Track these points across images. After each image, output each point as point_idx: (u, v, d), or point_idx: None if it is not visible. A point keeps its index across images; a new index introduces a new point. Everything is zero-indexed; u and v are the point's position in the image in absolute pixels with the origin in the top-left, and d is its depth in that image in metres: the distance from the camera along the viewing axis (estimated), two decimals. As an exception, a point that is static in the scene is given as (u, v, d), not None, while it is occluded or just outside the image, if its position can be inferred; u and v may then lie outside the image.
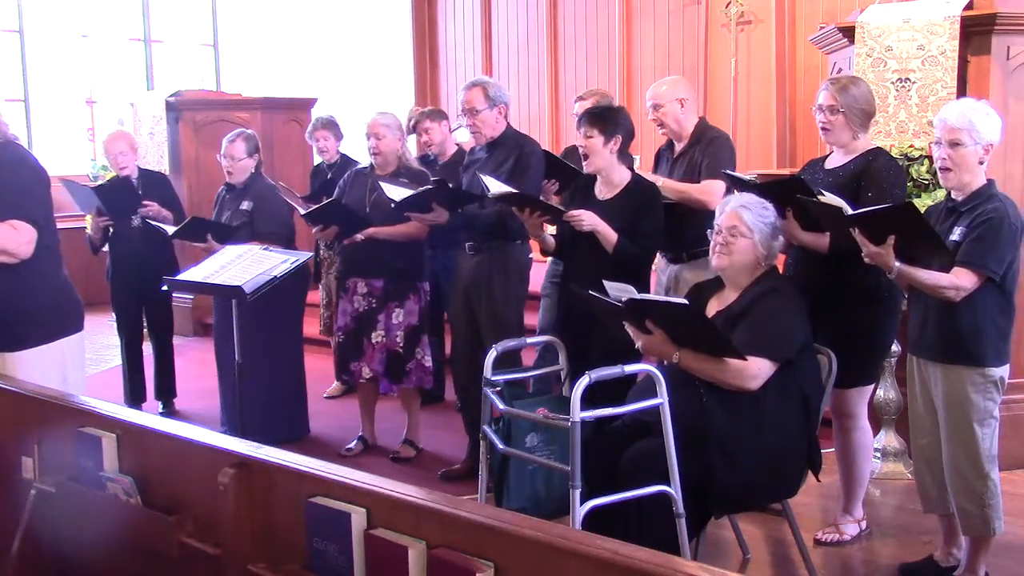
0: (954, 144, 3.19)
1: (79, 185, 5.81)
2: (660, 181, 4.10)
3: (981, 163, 3.22)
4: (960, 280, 3.16)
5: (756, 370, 3.13)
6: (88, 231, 5.94)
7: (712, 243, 3.38)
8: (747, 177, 3.89)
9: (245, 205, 5.14)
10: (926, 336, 3.34)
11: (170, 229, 5.19)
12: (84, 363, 3.63)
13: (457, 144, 5.70)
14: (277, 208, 5.14)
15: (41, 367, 3.28)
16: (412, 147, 5.50)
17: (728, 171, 3.91)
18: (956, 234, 3.23)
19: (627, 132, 3.87)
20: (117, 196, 5.60)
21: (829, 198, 3.29)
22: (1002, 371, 3.27)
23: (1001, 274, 3.18)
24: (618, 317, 3.27)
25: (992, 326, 3.23)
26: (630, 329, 3.27)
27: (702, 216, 4.01)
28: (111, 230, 5.74)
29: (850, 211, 3.20)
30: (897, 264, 3.14)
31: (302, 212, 4.90)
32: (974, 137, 3.18)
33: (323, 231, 4.76)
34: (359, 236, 4.70)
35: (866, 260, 3.21)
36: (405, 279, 4.80)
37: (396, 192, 4.37)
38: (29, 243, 3.27)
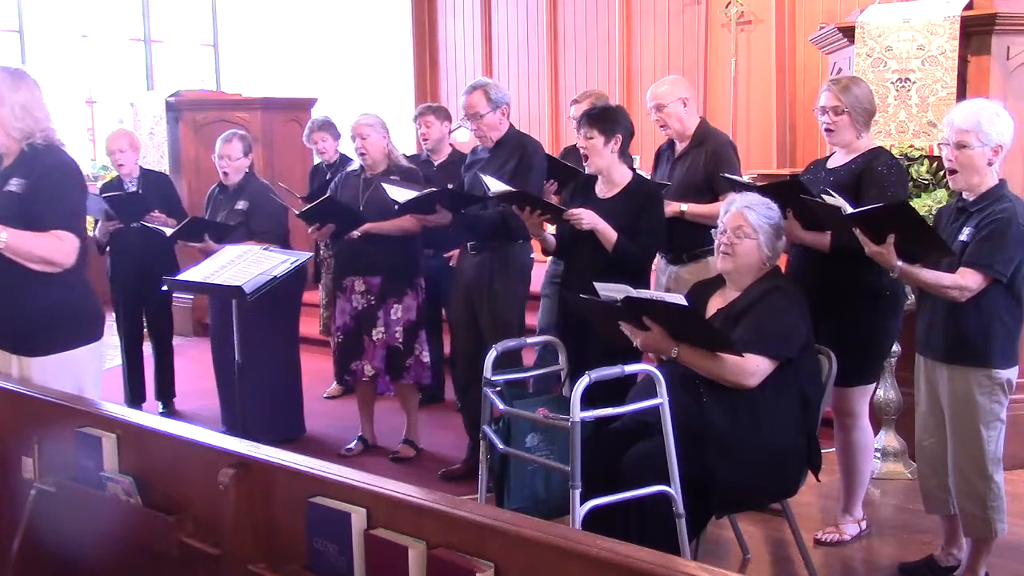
0: (960, 145, 3.17)
1: (90, 194, 5.79)
2: (686, 207, 4.11)
3: (990, 164, 3.20)
4: (965, 280, 3.15)
5: (754, 367, 3.13)
6: (92, 232, 5.93)
7: (716, 243, 3.38)
8: (745, 180, 3.89)
9: (240, 205, 5.17)
10: (933, 336, 3.33)
11: (168, 230, 5.20)
12: (101, 372, 3.54)
13: (451, 146, 5.70)
14: (272, 207, 5.16)
15: (55, 374, 3.23)
16: (410, 140, 5.49)
17: (726, 175, 3.92)
18: (964, 234, 3.22)
19: (627, 131, 3.88)
20: (126, 205, 5.60)
21: (829, 198, 3.29)
22: (1009, 373, 3.26)
23: (1009, 275, 3.16)
24: (615, 316, 3.27)
25: (1000, 328, 3.22)
26: (626, 328, 3.26)
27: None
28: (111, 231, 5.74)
29: (849, 210, 3.20)
30: (899, 263, 3.14)
31: (297, 212, 4.91)
32: (981, 139, 3.15)
33: (319, 229, 4.76)
34: (355, 233, 4.71)
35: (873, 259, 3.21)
36: (402, 275, 4.81)
37: (400, 194, 4.37)
38: (72, 253, 3.24)
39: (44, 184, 3.21)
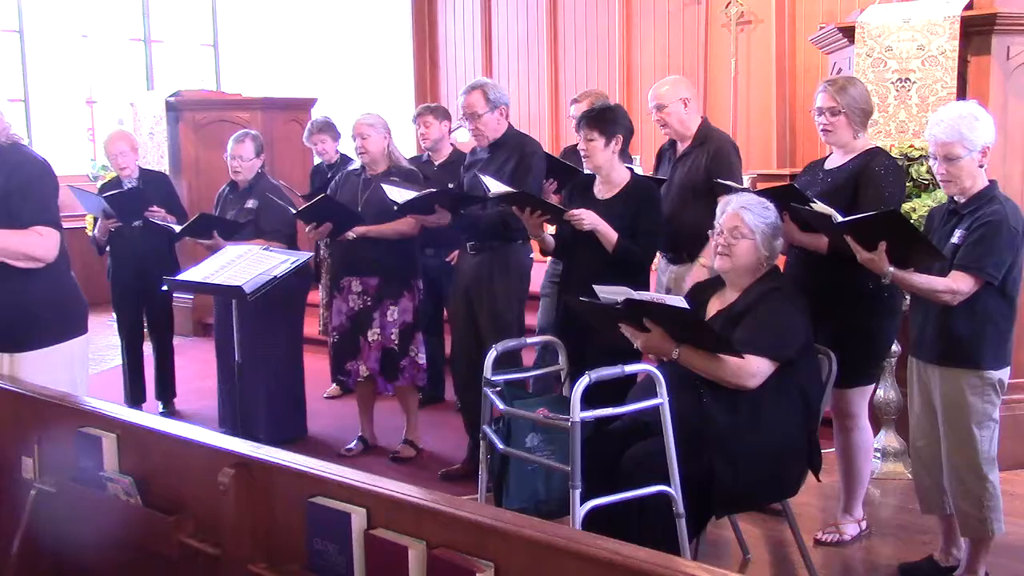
0: (950, 158, 3.17)
1: (89, 193, 5.81)
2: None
3: (981, 166, 3.20)
4: (957, 284, 3.15)
5: (755, 368, 3.13)
6: (91, 232, 5.93)
7: (714, 244, 3.38)
8: (741, 188, 3.89)
9: (250, 203, 5.17)
10: (926, 338, 3.33)
11: (177, 227, 5.20)
12: (88, 365, 3.63)
13: (452, 145, 5.70)
14: (281, 207, 5.16)
15: (48, 369, 3.27)
16: (411, 140, 5.48)
17: (719, 180, 3.91)
18: (956, 237, 3.22)
19: (627, 130, 3.88)
20: (126, 203, 5.61)
21: (819, 206, 3.29)
22: (1001, 374, 3.26)
23: (1001, 277, 3.16)
24: (616, 318, 3.27)
25: (992, 329, 3.22)
26: (627, 330, 3.26)
27: (702, 217, 4.01)
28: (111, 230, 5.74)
29: (839, 219, 3.20)
30: (891, 269, 3.14)
31: (294, 211, 4.90)
32: (967, 146, 3.15)
33: (316, 228, 4.76)
34: (350, 234, 4.70)
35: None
36: (399, 277, 4.80)
37: (399, 194, 4.37)
38: (54, 248, 3.29)
39: (16, 181, 3.22)
